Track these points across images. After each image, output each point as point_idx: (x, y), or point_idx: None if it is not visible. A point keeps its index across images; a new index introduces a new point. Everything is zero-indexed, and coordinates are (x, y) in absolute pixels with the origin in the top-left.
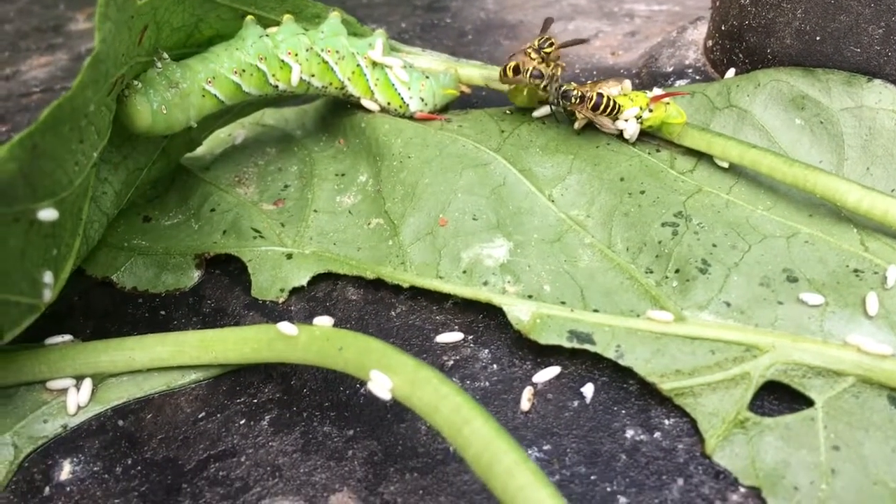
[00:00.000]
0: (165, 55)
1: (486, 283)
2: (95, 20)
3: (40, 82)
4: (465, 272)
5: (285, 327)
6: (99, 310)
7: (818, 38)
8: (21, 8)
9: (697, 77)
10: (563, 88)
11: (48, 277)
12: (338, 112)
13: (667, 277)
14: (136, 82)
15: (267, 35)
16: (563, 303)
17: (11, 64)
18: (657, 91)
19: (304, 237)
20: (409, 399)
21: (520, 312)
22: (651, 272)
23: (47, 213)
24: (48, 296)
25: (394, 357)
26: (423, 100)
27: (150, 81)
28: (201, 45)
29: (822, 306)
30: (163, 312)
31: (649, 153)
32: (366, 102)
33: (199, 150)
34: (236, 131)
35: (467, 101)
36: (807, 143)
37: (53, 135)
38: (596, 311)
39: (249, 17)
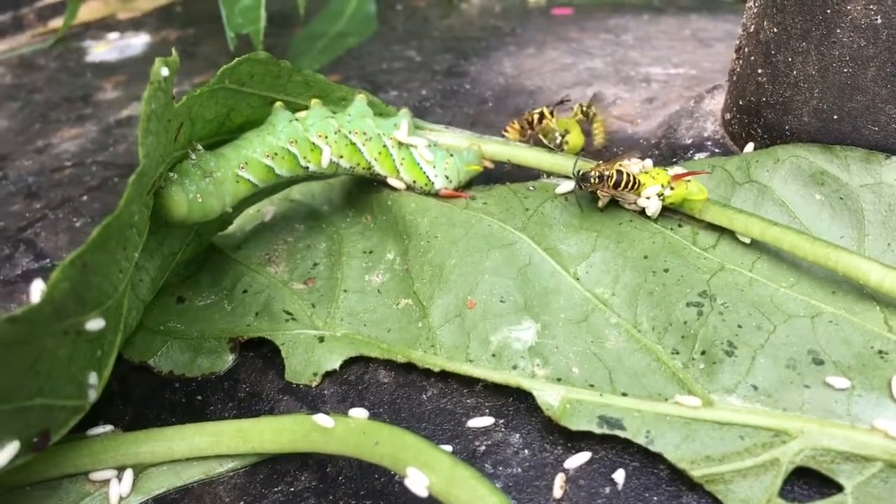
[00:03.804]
0: (199, 146)
1: (515, 367)
2: (138, 135)
3: (72, 155)
4: (494, 356)
5: (321, 419)
6: (137, 396)
7: (835, 117)
8: (49, 76)
9: (717, 150)
10: (581, 171)
11: (93, 379)
12: (364, 188)
13: (693, 359)
14: (171, 174)
15: (297, 119)
16: (591, 386)
17: (43, 136)
18: (678, 169)
19: (335, 318)
20: (447, 497)
21: (549, 397)
22: (677, 353)
23: (95, 324)
24: (93, 396)
25: (430, 454)
26: (447, 177)
27: (185, 172)
28: (232, 131)
29: (848, 390)
30: (199, 397)
31: (671, 229)
32: (392, 181)
33: (230, 228)
34: (266, 207)
35: (490, 174)
36: (827, 219)
37: (102, 251)
38: (624, 394)
39: (278, 104)
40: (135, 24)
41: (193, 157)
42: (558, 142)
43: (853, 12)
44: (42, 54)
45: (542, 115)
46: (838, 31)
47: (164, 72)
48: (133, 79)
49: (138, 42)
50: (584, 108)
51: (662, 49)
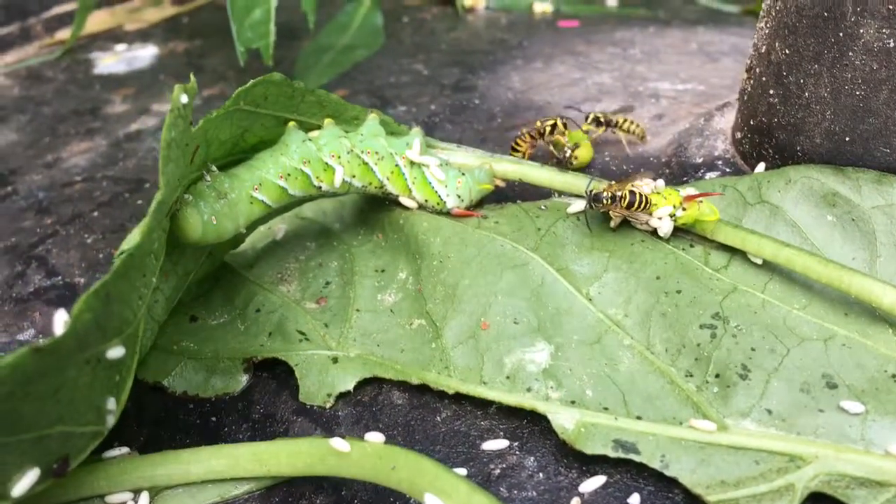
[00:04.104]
0: (214, 168)
1: (529, 390)
2: (159, 162)
3: (82, 170)
4: (508, 378)
5: (337, 443)
6: (152, 417)
7: (847, 139)
8: (58, 88)
9: (727, 169)
10: (593, 192)
11: (111, 404)
12: (375, 206)
13: (707, 382)
14: (186, 196)
15: (309, 139)
16: (606, 409)
17: (52, 150)
18: (690, 190)
19: (348, 338)
20: None
21: (564, 421)
22: (691, 376)
23: (115, 352)
24: (111, 421)
25: (447, 480)
26: (459, 196)
27: (200, 194)
28: (246, 151)
29: (862, 414)
30: (214, 418)
31: (683, 249)
32: (404, 200)
33: (242, 246)
34: (277, 225)
35: (502, 192)
36: (839, 240)
37: (124, 280)
38: (639, 417)
39: (292, 124)
40: (142, 36)
41: (208, 178)
42: (567, 155)
43: (865, 36)
44: (50, 66)
45: (554, 126)
46: (850, 54)
47: (184, 98)
48: (141, 91)
49: (146, 54)
50: (607, 118)
51: (670, 63)
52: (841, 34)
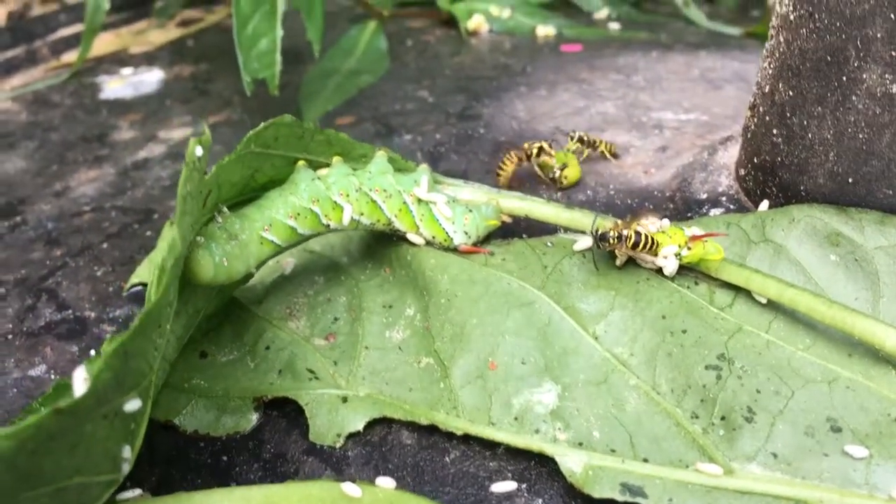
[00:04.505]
0: (225, 209)
1: (537, 431)
2: (175, 217)
3: (90, 199)
4: (516, 419)
5: (349, 488)
6: (163, 456)
7: (850, 181)
8: (65, 113)
9: (731, 206)
10: (599, 231)
11: (126, 452)
12: (382, 240)
13: (713, 424)
14: (198, 238)
15: (318, 178)
16: (613, 451)
17: (60, 178)
18: (696, 230)
19: (357, 376)
20: None
21: (572, 464)
22: (697, 417)
23: (132, 405)
24: (126, 469)
25: None
26: (467, 233)
27: (211, 236)
28: (256, 189)
29: (866, 459)
30: (225, 458)
31: (688, 287)
32: (411, 236)
33: (251, 280)
34: (286, 260)
35: (508, 227)
36: (842, 279)
37: (142, 337)
38: (646, 460)
39: (301, 163)
40: (148, 59)
41: (220, 219)
42: (556, 175)
43: (869, 81)
44: (57, 90)
45: (541, 149)
46: (854, 97)
47: (199, 151)
48: (148, 117)
49: (152, 78)
50: (590, 139)
51: (673, 92)
52: (844, 78)
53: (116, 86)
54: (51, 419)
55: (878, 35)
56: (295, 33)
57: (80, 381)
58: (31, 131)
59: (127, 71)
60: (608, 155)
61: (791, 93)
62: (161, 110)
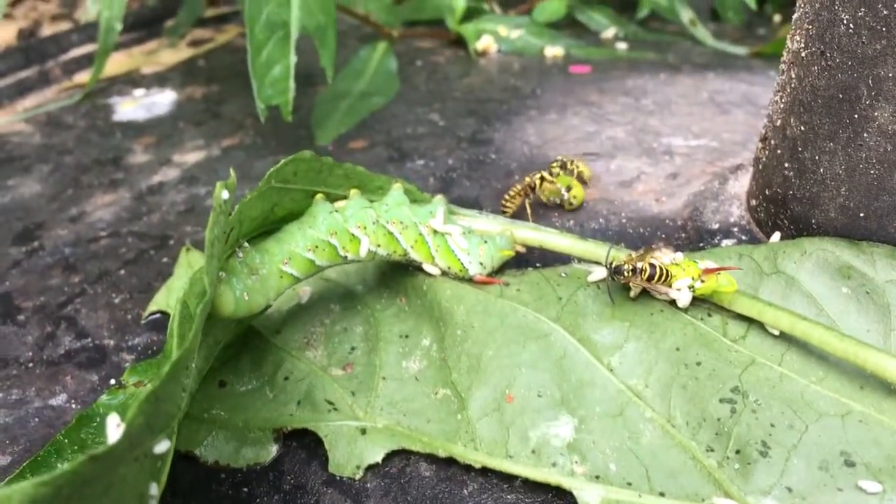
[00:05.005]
0: (246, 244)
1: (554, 465)
2: (204, 265)
3: (106, 224)
4: (533, 452)
5: None
6: (185, 487)
7: (862, 215)
8: (79, 136)
9: (743, 237)
10: (614, 264)
11: (153, 490)
12: (397, 270)
13: (728, 458)
14: (220, 273)
15: (336, 210)
16: (629, 484)
17: (76, 203)
18: (709, 263)
19: (375, 407)
20: None
21: (589, 497)
22: (712, 451)
23: (162, 446)
24: None
25: None
26: (482, 264)
27: (232, 270)
28: (275, 222)
29: (880, 494)
30: (245, 489)
31: (702, 319)
32: (427, 267)
33: (268, 309)
34: (302, 288)
35: (522, 256)
36: (854, 312)
37: (173, 382)
38: (662, 494)
39: (319, 196)
40: (159, 80)
41: (240, 254)
42: (566, 197)
43: (880, 118)
44: (70, 111)
45: (542, 179)
46: (865, 135)
47: (225, 195)
48: (162, 141)
49: (164, 100)
50: (569, 164)
51: (682, 116)
52: (856, 116)
53: (129, 107)
54: (86, 466)
55: (890, 75)
56: (306, 54)
57: (114, 428)
58: (45, 154)
59: (139, 92)
60: (583, 179)
61: (803, 128)
62: (174, 133)
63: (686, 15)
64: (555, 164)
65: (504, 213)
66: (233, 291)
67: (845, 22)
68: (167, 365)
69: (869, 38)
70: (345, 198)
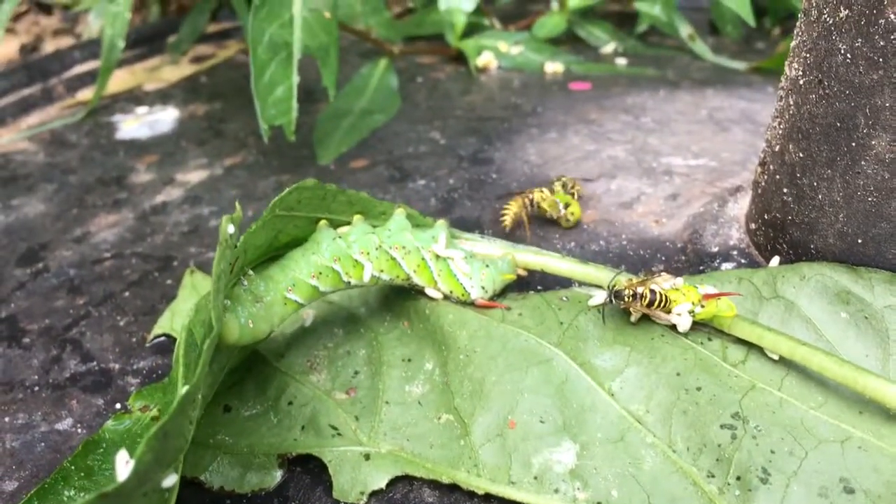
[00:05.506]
0: (250, 272)
1: (557, 491)
2: (211, 298)
3: (110, 245)
4: (536, 478)
5: None
6: None
7: (860, 241)
8: (82, 154)
9: (743, 260)
10: (615, 289)
11: None
12: (400, 293)
13: (729, 485)
14: (225, 301)
15: (339, 237)
16: None
17: (80, 223)
18: (709, 288)
19: (379, 432)
20: None
21: None
22: (713, 477)
23: (170, 480)
24: None
25: None
26: (484, 288)
27: (237, 298)
28: (279, 249)
29: None
30: None
31: (702, 343)
32: (429, 291)
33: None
34: (305, 311)
35: (523, 280)
36: (853, 337)
37: (181, 417)
38: None
39: (323, 222)
40: (162, 97)
41: (245, 282)
42: (563, 213)
43: (878, 147)
44: (73, 129)
45: (542, 192)
46: (863, 162)
47: (231, 229)
48: (165, 159)
49: (167, 118)
50: (570, 185)
51: (681, 134)
52: (853, 144)
53: (132, 125)
54: (97, 503)
55: (887, 104)
56: (306, 72)
57: (123, 465)
58: (49, 173)
59: (142, 110)
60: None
61: (801, 154)
62: (177, 152)
63: (685, 30)
64: (557, 182)
65: (503, 217)
66: (237, 319)
67: (842, 52)
68: (175, 400)
69: (866, 69)
70: (348, 223)
